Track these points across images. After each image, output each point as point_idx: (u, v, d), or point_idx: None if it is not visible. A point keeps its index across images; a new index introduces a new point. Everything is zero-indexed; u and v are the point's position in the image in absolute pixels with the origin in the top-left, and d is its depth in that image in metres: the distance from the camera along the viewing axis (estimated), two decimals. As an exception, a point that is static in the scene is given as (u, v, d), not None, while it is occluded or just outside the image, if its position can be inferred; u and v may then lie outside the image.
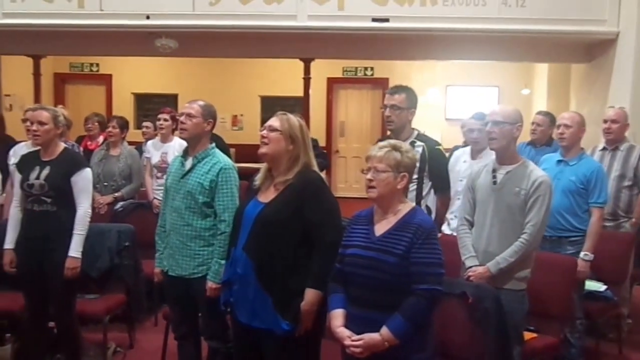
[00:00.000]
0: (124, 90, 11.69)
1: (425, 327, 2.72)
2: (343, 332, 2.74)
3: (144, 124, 6.91)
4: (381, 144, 2.85)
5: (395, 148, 2.80)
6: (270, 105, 10.96)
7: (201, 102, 3.58)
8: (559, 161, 4.45)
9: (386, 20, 7.29)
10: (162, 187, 5.62)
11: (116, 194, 5.68)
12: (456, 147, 6.01)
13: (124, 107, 11.06)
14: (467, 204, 3.67)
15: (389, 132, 4.08)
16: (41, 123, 3.85)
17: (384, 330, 2.63)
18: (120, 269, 4.65)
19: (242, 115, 11.32)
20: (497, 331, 3.13)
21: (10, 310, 4.26)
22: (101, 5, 7.66)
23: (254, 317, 3.03)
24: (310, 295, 2.96)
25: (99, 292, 4.57)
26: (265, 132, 3.11)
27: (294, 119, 3.13)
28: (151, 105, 11.52)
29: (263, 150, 3.11)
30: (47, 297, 3.92)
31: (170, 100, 10.89)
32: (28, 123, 4.78)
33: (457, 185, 4.36)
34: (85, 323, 4.28)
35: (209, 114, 3.57)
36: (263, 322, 3.01)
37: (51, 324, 4.12)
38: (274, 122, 3.12)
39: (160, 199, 5.60)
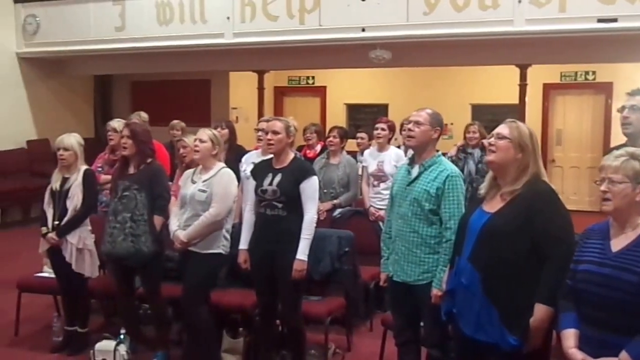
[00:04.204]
0: (337, 101, 12.12)
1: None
2: (577, 354, 2.58)
3: (359, 134, 7.06)
4: (616, 152, 2.64)
5: (634, 157, 2.59)
6: (482, 113, 10.70)
7: (429, 110, 3.60)
8: None
9: (614, 20, 6.82)
10: (378, 195, 5.82)
11: (335, 201, 5.87)
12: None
13: (337, 117, 11.45)
14: None
15: (624, 141, 3.77)
16: (275, 132, 4.10)
17: (624, 355, 2.43)
18: (340, 273, 4.81)
19: (452, 123, 11.16)
20: None
21: (243, 306, 4.57)
22: (320, 21, 8.05)
23: (479, 330, 2.97)
24: (541, 311, 2.84)
25: (320, 294, 4.76)
26: (493, 139, 3.04)
27: (524, 127, 3.03)
28: (362, 115, 11.84)
29: (490, 158, 3.05)
30: (276, 296, 4.18)
31: (381, 110, 11.07)
32: (260, 133, 5.19)
33: None
34: (306, 323, 4.47)
35: (437, 122, 3.57)
36: (488, 335, 2.93)
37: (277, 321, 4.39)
38: (502, 129, 3.04)
39: (377, 207, 5.79)
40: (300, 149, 7.46)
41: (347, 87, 11.89)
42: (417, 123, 3.53)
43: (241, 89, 11.09)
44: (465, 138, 6.91)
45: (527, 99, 8.60)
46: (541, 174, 3.02)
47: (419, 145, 3.56)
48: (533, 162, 3.00)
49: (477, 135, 6.75)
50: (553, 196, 2.98)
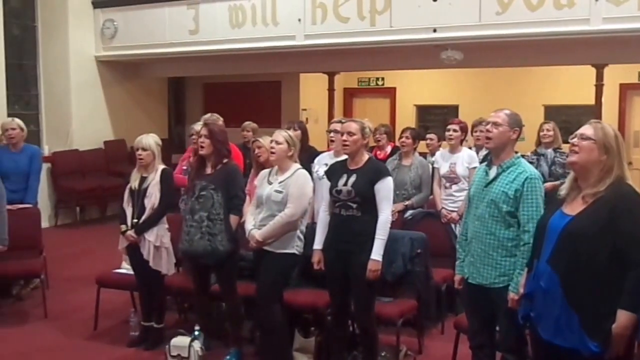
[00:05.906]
0: (406, 102, 12.07)
1: None
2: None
3: (428, 136, 7.02)
4: None
5: None
6: (555, 115, 10.45)
7: (507, 111, 3.56)
8: None
9: (697, 17, 6.55)
10: (450, 197, 5.78)
11: (407, 202, 5.84)
12: None
13: (406, 118, 11.37)
14: None
15: None
16: (350, 134, 4.12)
17: None
18: (412, 275, 4.79)
19: (524, 125, 10.98)
20: None
21: (316, 306, 4.60)
22: (391, 22, 8.03)
23: (558, 334, 2.90)
24: (624, 317, 2.76)
25: (392, 296, 4.75)
26: (576, 140, 2.97)
27: (609, 128, 2.95)
28: (432, 117, 11.75)
29: (573, 158, 2.97)
30: (349, 296, 4.19)
31: (450, 112, 10.96)
32: (332, 134, 5.22)
33: None
34: (378, 324, 4.46)
35: (515, 123, 3.53)
36: (567, 340, 2.87)
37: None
38: (586, 129, 2.96)
39: (449, 209, 5.74)
40: (370, 150, 7.46)
41: (417, 88, 11.83)
42: (496, 124, 3.49)
43: (311, 90, 11.18)
44: (538, 136, 6.74)
45: (603, 99, 8.35)
46: (625, 177, 2.93)
47: (497, 147, 3.51)
48: (617, 165, 2.91)
49: (550, 133, 6.58)
50: (638, 199, 2.89)
